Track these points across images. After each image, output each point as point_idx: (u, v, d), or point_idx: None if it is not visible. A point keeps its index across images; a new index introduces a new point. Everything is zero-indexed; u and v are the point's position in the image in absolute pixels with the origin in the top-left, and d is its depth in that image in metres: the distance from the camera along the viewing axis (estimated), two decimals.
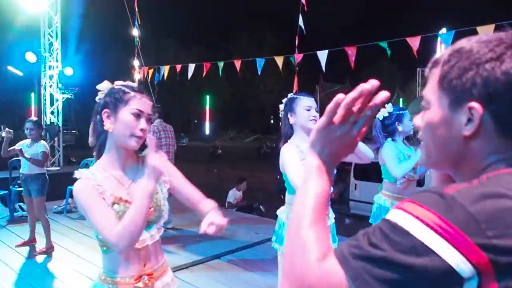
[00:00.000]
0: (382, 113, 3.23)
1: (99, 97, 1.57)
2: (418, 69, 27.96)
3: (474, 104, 0.65)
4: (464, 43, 0.70)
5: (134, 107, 1.50)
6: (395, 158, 3.10)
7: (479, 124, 0.66)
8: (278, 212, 2.55)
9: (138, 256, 1.54)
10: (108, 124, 1.50)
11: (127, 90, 1.52)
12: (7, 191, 6.33)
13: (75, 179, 1.49)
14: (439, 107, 0.72)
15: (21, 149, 4.65)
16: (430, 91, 0.74)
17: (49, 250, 4.71)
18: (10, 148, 4.84)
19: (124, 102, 1.50)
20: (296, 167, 2.24)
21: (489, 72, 0.65)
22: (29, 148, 4.73)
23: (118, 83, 1.58)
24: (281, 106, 2.54)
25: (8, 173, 6.57)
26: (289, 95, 2.54)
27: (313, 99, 2.48)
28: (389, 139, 3.19)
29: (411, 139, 3.62)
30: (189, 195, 1.70)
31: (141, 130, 1.50)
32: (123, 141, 1.51)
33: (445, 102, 0.70)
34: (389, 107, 3.25)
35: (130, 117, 1.49)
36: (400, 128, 3.19)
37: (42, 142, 4.82)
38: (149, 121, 1.55)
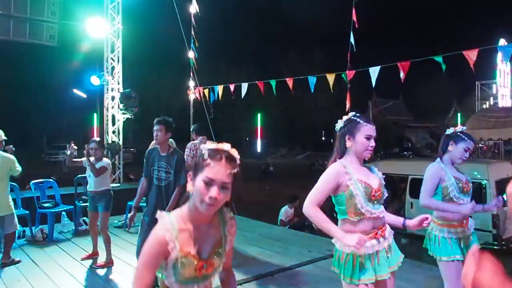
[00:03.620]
0: (449, 130, 3.13)
1: (186, 153, 1.65)
2: (476, 82, 26.61)
3: None
4: None
5: (206, 175, 1.51)
6: (432, 183, 2.97)
7: None
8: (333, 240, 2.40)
9: None
10: (189, 186, 1.60)
11: (205, 156, 1.54)
12: (72, 206, 6.74)
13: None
14: None
15: (88, 152, 4.95)
16: None
17: (108, 265, 4.91)
18: (76, 160, 5.20)
19: (201, 167, 1.54)
20: (315, 193, 2.32)
21: None
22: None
23: (205, 146, 1.60)
24: (340, 123, 2.46)
25: (74, 189, 6.99)
26: (351, 115, 2.45)
27: (374, 127, 2.40)
28: (438, 159, 3.08)
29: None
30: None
31: (210, 198, 1.50)
32: (197, 205, 1.56)
33: None
34: (460, 127, 3.14)
35: (201, 184, 1.51)
36: (450, 148, 3.03)
37: (105, 159, 5.16)
38: (224, 189, 1.54)
